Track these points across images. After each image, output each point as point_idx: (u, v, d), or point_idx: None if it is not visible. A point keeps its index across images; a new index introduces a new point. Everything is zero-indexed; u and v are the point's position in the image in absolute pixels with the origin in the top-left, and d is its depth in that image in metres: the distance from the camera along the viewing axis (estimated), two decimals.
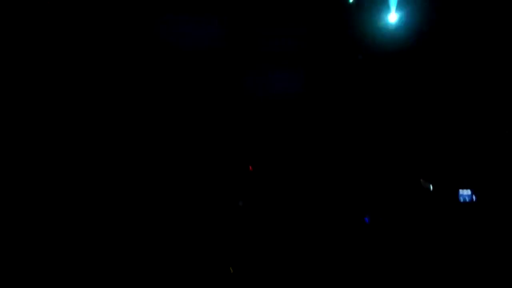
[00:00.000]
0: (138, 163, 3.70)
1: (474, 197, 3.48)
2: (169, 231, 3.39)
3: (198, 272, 3.09)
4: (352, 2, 3.92)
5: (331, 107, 4.02)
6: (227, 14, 3.94)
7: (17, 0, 3.59)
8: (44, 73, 3.70)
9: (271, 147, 3.96)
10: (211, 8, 3.92)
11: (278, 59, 4.01)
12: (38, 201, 3.33)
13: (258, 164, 3.91)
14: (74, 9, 3.72)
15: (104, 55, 3.79)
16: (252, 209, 3.66)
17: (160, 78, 3.91)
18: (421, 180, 3.67)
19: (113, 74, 3.81)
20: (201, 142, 3.90)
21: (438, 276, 3.12)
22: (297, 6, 3.98)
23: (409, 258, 3.27)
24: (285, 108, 4.00)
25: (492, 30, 3.73)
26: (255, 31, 4.00)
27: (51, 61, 3.71)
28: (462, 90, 3.82)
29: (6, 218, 3.17)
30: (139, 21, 3.83)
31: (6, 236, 3.06)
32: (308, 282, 3.09)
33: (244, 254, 3.29)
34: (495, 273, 3.05)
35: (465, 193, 3.48)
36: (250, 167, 3.87)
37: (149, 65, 3.88)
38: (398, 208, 3.59)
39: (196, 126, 3.92)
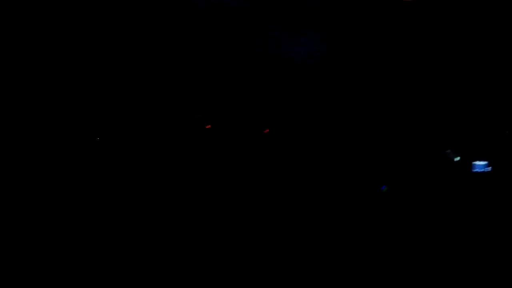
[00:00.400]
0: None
1: (488, 168, 3.41)
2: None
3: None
4: None
5: (352, 74, 3.92)
6: None
7: None
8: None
9: (288, 111, 3.89)
10: None
11: (300, 22, 3.92)
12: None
13: (274, 128, 3.85)
14: None
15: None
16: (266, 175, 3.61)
17: (174, 36, 3.84)
18: (448, 151, 3.60)
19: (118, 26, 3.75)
20: (215, 104, 3.87)
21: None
22: None
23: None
24: (305, 72, 3.91)
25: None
26: None
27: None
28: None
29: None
30: None
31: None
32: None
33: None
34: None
35: (479, 164, 3.41)
36: (267, 129, 3.82)
37: (160, 23, 3.80)
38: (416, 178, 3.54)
39: (212, 86, 3.88)
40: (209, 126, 3.80)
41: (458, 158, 3.51)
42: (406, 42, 3.81)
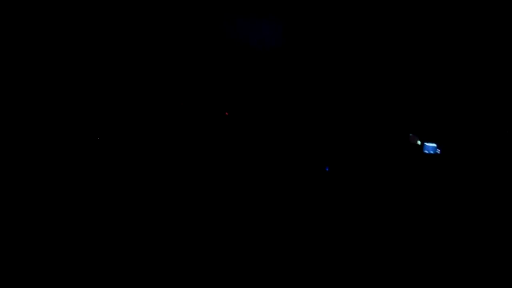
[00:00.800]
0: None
1: (438, 150, 3.73)
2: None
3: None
4: None
5: (309, 59, 4.05)
6: None
7: None
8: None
9: (248, 94, 4.03)
10: None
11: (257, 7, 3.98)
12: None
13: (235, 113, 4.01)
14: None
15: None
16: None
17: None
18: (410, 134, 3.84)
19: None
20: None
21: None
22: None
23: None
24: (262, 57, 4.01)
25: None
26: None
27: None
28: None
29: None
30: None
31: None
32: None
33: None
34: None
35: (429, 145, 3.74)
36: (226, 112, 4.00)
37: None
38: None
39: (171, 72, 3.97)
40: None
41: (419, 142, 3.76)
42: (364, 26, 3.99)
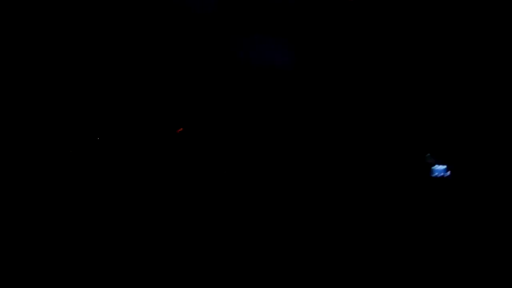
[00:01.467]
0: None
1: (447, 173, 3.49)
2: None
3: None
4: None
5: (321, 80, 3.93)
6: None
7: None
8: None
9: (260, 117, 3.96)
10: None
11: (268, 28, 3.89)
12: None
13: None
14: None
15: None
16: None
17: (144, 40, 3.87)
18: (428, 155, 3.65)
19: None
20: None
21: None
22: None
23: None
24: (274, 78, 3.91)
25: None
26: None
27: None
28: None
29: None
30: None
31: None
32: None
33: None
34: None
35: (438, 168, 3.49)
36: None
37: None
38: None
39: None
40: (181, 129, 3.89)
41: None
42: (374, 47, 3.78)
